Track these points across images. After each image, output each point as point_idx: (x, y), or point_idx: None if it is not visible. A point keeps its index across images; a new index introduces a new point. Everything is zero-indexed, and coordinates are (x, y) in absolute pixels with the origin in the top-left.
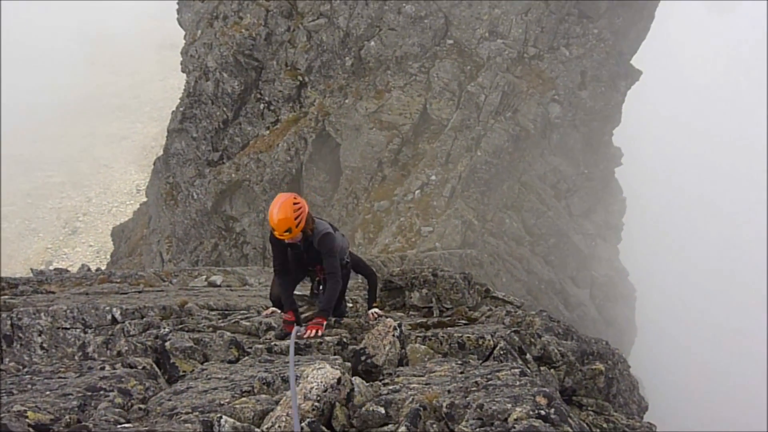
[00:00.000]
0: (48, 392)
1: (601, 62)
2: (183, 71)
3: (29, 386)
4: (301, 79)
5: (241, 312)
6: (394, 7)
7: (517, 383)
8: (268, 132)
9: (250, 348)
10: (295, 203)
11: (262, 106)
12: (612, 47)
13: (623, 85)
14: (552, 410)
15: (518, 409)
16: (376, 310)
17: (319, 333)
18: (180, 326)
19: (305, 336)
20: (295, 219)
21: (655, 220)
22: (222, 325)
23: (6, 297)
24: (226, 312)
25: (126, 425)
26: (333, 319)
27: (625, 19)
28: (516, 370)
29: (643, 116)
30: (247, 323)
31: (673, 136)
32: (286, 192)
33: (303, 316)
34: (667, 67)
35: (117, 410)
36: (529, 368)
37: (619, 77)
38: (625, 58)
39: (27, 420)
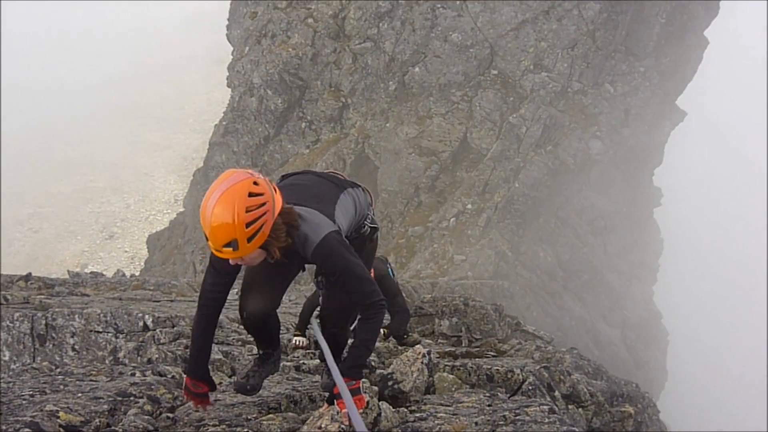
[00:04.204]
0: (80, 394)
1: (645, 101)
2: (228, 86)
3: (61, 387)
4: (343, 100)
5: None
6: (440, 34)
7: (546, 420)
8: (308, 151)
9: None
10: (252, 194)
11: (303, 124)
12: (657, 86)
13: (667, 125)
14: None
15: None
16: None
17: (363, 404)
18: None
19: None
20: (249, 225)
21: (692, 263)
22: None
23: (42, 297)
24: None
25: None
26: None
27: (672, 60)
28: (545, 407)
29: (686, 158)
30: None
31: (714, 180)
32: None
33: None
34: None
35: (146, 417)
36: (557, 406)
37: (664, 117)
38: (670, 98)
39: (58, 420)
